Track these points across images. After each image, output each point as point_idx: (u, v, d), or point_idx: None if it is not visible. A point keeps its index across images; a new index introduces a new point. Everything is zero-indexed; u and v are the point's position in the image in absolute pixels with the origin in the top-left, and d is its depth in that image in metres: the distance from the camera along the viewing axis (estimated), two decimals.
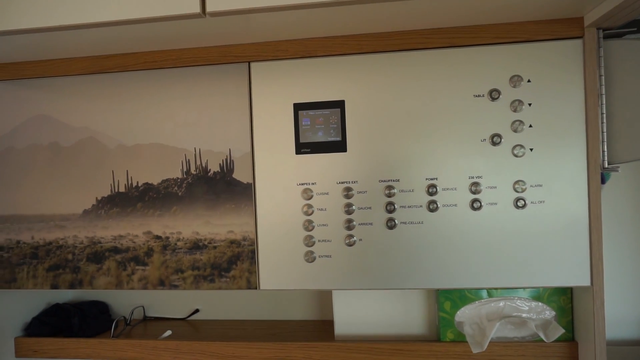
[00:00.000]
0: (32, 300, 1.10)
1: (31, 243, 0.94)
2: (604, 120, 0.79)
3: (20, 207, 0.94)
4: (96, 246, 0.92)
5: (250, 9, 0.66)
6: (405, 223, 0.84)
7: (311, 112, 0.85)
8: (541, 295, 0.92)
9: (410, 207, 0.84)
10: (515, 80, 0.81)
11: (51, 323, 1.08)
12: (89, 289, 0.93)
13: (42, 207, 0.94)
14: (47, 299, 1.14)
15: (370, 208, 0.84)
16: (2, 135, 0.95)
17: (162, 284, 0.90)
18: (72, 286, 0.93)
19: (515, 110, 0.81)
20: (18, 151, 0.94)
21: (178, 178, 0.89)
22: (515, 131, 0.81)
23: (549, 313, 0.92)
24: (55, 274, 0.94)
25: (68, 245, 0.93)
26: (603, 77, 0.79)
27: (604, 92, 0.79)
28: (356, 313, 0.98)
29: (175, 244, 0.89)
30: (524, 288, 0.91)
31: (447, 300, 0.94)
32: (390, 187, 0.84)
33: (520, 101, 0.81)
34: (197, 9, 0.66)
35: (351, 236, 0.85)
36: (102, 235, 0.92)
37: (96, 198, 0.92)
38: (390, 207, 0.84)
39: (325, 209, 0.85)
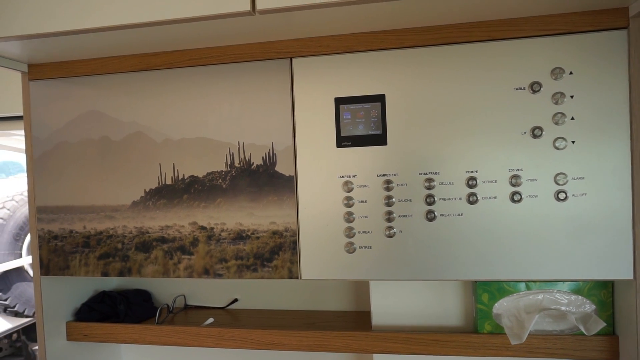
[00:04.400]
0: (80, 287, 1.15)
1: (83, 232, 0.99)
2: None
3: (73, 198, 0.99)
4: (144, 236, 0.96)
5: (299, 5, 0.68)
6: (444, 215, 0.85)
7: (352, 106, 0.87)
8: (581, 288, 0.91)
9: (450, 199, 0.85)
10: (557, 72, 0.81)
11: (99, 309, 1.13)
12: (137, 277, 0.97)
13: (93, 198, 0.99)
14: (94, 286, 1.20)
15: (410, 200, 0.86)
16: (56, 130, 1.00)
17: (206, 272, 0.94)
18: (121, 274, 0.98)
19: (557, 103, 0.81)
20: (71, 145, 0.99)
21: (222, 171, 0.92)
22: (556, 124, 0.81)
23: (589, 307, 0.91)
24: (105, 262, 0.99)
25: (118, 234, 0.97)
26: None
27: None
28: (393, 304, 1.00)
29: (220, 234, 0.93)
30: (564, 281, 0.91)
31: (485, 292, 0.94)
32: (430, 180, 0.85)
33: (562, 93, 0.81)
34: (247, 7, 0.69)
35: (391, 228, 0.86)
36: (150, 225, 0.96)
37: (144, 190, 0.96)
38: (430, 200, 0.85)
39: (365, 201, 0.87)
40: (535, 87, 0.82)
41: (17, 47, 0.89)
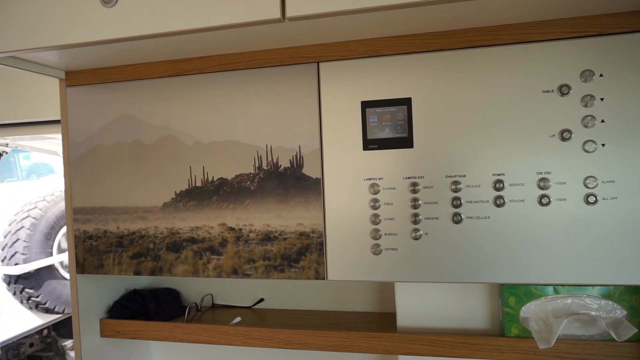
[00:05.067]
0: (112, 285, 1.19)
1: (117, 233, 1.03)
2: None
3: (107, 199, 1.03)
4: (175, 236, 0.99)
5: (328, 12, 0.70)
6: (471, 218, 0.85)
7: (378, 110, 0.88)
8: (612, 293, 0.90)
9: (476, 202, 0.85)
10: (587, 74, 0.80)
11: (130, 307, 1.17)
12: (168, 276, 1.00)
13: (126, 199, 1.02)
14: (125, 284, 1.23)
15: (436, 203, 0.86)
16: (91, 134, 1.04)
17: (235, 272, 0.96)
18: (152, 273, 1.01)
19: (586, 106, 0.80)
20: (105, 148, 1.03)
21: (251, 173, 0.94)
22: (586, 126, 0.80)
23: (619, 312, 0.90)
24: (138, 261, 1.02)
25: (149, 235, 1.01)
26: None
27: None
28: (418, 305, 1.01)
29: (248, 235, 0.95)
30: (593, 285, 0.90)
31: (512, 295, 0.94)
32: (456, 183, 0.85)
33: (591, 96, 0.80)
34: (277, 14, 0.70)
35: (417, 230, 0.87)
36: (180, 226, 0.99)
37: (175, 192, 0.99)
38: (456, 202, 0.85)
39: (391, 203, 0.88)
40: (564, 89, 0.81)
41: (55, 56, 0.93)
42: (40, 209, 3.11)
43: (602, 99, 0.80)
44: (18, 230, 3.00)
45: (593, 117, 0.80)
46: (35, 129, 1.63)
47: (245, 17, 0.73)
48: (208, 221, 0.97)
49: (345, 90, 0.89)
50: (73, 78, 1.04)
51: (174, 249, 0.99)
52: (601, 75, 0.80)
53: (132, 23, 0.77)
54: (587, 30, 0.80)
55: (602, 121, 0.80)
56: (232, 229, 0.96)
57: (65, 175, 1.06)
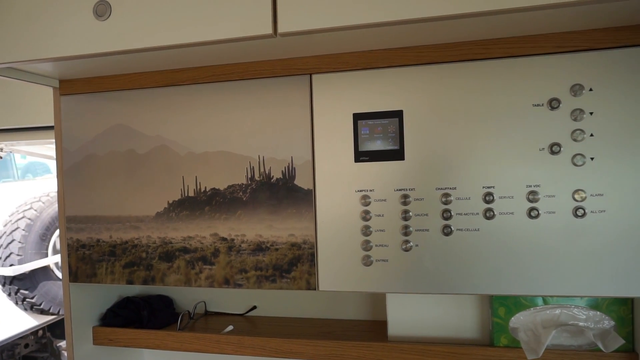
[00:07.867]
0: (105, 293, 1.19)
1: (109, 242, 1.03)
2: None
3: (100, 208, 1.03)
4: (167, 246, 0.99)
5: (319, 29, 0.70)
6: (461, 230, 0.86)
7: (370, 122, 0.88)
8: (600, 304, 0.91)
9: (466, 214, 0.85)
10: (577, 89, 0.81)
11: (123, 315, 1.17)
12: (160, 285, 1.01)
13: (119, 209, 1.02)
14: (118, 291, 1.24)
15: (427, 215, 0.87)
16: (85, 143, 1.04)
17: (227, 282, 0.96)
18: (145, 282, 1.01)
19: (575, 119, 0.81)
20: (99, 157, 1.03)
21: (243, 184, 0.95)
22: (575, 140, 0.81)
23: (607, 323, 0.91)
24: (130, 270, 1.02)
25: (142, 244, 1.01)
26: None
27: None
28: (409, 315, 1.01)
29: (240, 245, 0.95)
30: (582, 297, 0.91)
31: (502, 306, 0.95)
32: (446, 195, 0.86)
33: (581, 110, 0.81)
34: (269, 30, 0.71)
35: (407, 241, 0.87)
36: (173, 236, 0.99)
37: (168, 202, 0.99)
38: (446, 214, 0.86)
39: (382, 215, 0.88)
40: (554, 103, 0.82)
41: (49, 66, 0.93)
42: (35, 210, 3.10)
43: (591, 113, 0.81)
44: (13, 231, 2.99)
45: (582, 131, 0.81)
46: (29, 135, 1.63)
47: (238, 33, 0.73)
48: (200, 231, 0.97)
49: (338, 102, 0.90)
50: (67, 87, 1.04)
51: (167, 259, 1.00)
52: (591, 90, 0.81)
53: (125, 36, 0.78)
54: (577, 45, 0.81)
55: (592, 135, 0.81)
56: (224, 239, 0.96)
57: (58, 184, 1.06)
